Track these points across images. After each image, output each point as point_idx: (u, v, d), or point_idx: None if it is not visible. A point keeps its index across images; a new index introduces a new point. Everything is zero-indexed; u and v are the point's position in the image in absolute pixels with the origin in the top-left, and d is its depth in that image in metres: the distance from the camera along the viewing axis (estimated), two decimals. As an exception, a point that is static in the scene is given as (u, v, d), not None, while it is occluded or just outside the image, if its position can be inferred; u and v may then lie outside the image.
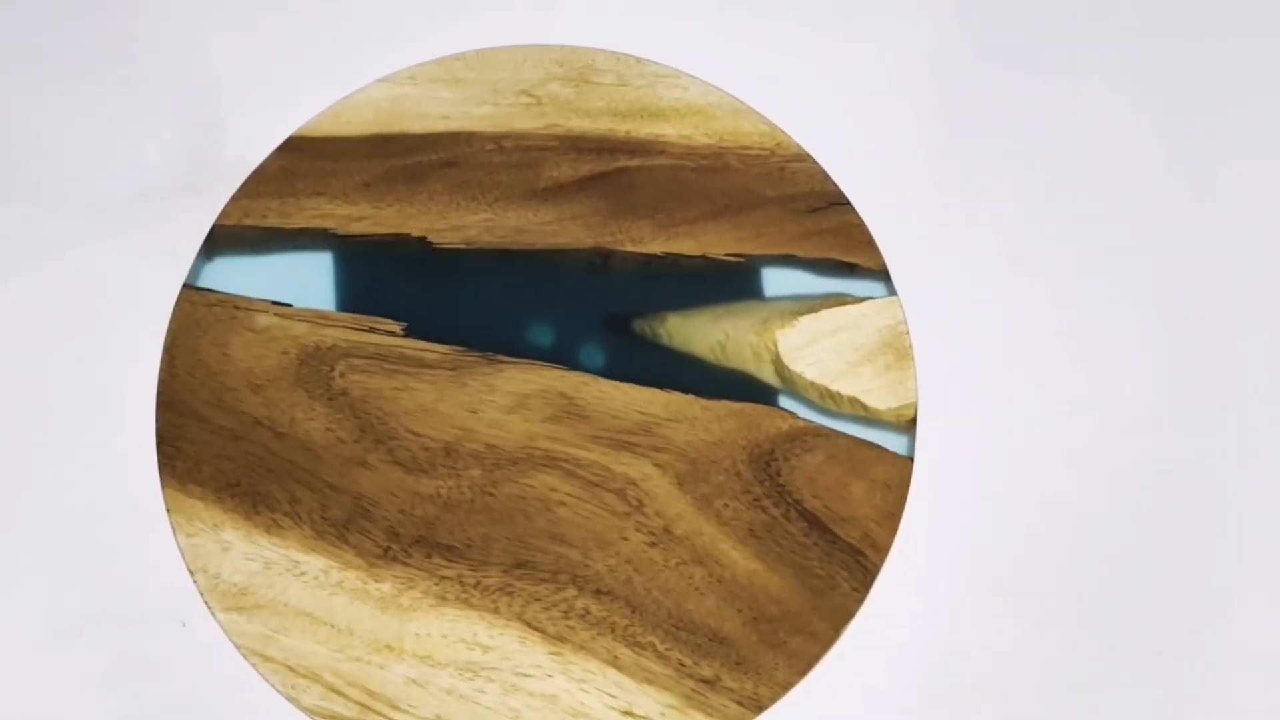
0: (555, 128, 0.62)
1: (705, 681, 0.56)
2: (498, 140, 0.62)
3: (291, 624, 0.56)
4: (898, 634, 0.57)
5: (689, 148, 0.62)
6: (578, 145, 0.62)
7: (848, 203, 0.62)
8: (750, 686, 0.56)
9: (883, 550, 0.58)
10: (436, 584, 0.56)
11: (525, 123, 0.62)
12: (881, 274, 0.61)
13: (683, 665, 0.56)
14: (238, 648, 0.55)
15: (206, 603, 0.56)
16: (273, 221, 0.60)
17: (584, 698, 0.55)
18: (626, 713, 0.55)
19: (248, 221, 0.60)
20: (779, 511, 0.58)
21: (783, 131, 0.63)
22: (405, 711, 0.55)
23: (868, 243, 0.61)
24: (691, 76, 0.63)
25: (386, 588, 0.56)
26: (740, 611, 0.56)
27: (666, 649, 0.56)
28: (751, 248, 0.61)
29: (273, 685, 0.55)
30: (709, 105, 0.63)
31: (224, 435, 0.58)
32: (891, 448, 0.59)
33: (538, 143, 0.62)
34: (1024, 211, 0.64)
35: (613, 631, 0.56)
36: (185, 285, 0.59)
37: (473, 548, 0.57)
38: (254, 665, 0.55)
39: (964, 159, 0.64)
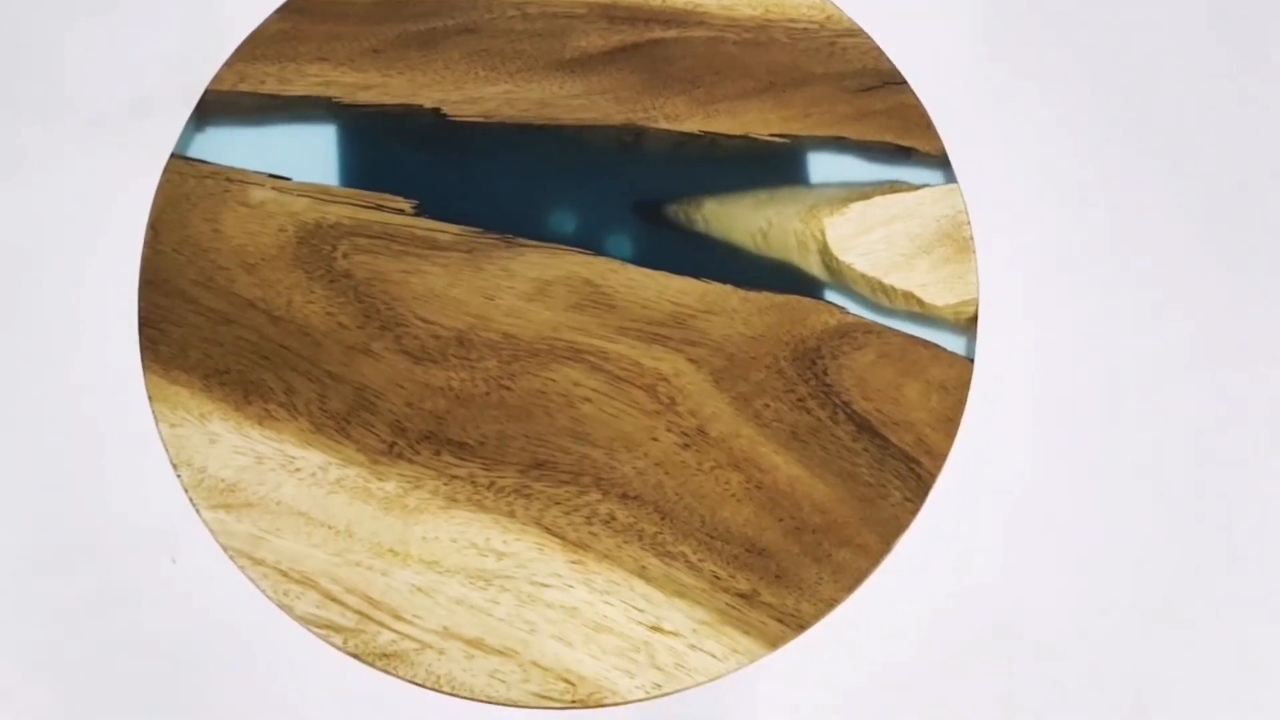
0: (584, -6, 0.57)
1: (742, 596, 0.50)
2: (520, 6, 0.56)
3: (285, 525, 0.50)
4: (954, 549, 0.52)
5: (731, 19, 0.57)
6: (609, 13, 0.56)
7: (903, 82, 0.56)
8: (791, 602, 0.50)
9: (938, 457, 0.52)
10: (446, 484, 0.51)
11: (551, -12, 0.57)
12: (940, 160, 0.55)
13: (717, 578, 0.51)
14: (224, 549, 0.50)
15: (191, 499, 0.50)
16: (270, 88, 0.55)
17: (607, 610, 0.50)
18: (654, 628, 0.50)
19: (243, 87, 0.55)
20: (825, 414, 0.52)
21: (833, 4, 0.57)
22: (410, 622, 0.50)
23: (925, 125, 0.56)
24: (733, -56, 0.58)
25: (390, 487, 0.51)
26: (781, 521, 0.51)
27: (699, 560, 0.51)
28: (798, 128, 0.56)
29: (263, 591, 0.50)
30: (752, -26, 0.57)
31: (213, 318, 0.52)
32: (949, 348, 0.53)
33: (565, 9, 0.56)
34: (1094, 92, 0.59)
35: (640, 539, 0.51)
36: (173, 155, 0.54)
37: (486, 445, 0.52)
38: (242, 569, 0.50)
39: (1030, 35, 0.58)
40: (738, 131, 0.55)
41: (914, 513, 0.52)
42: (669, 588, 0.50)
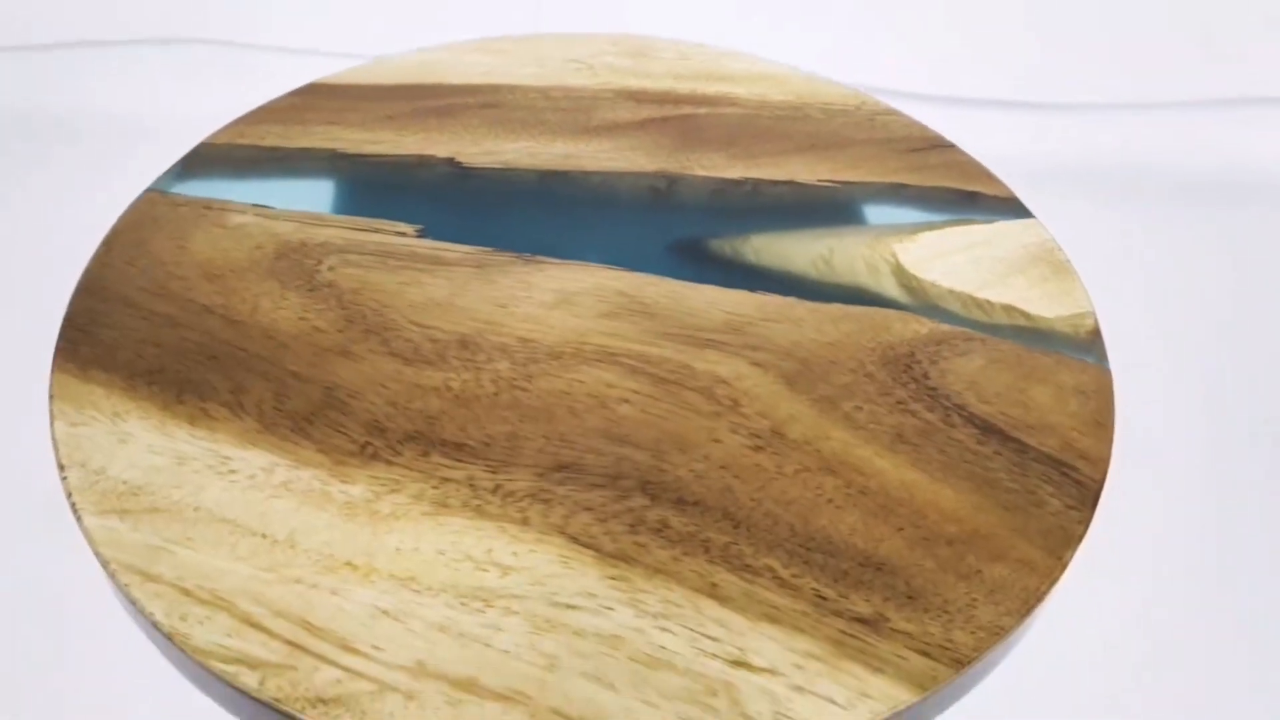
0: (610, 85, 0.55)
1: (862, 621, 0.34)
2: (544, 91, 0.54)
3: (200, 534, 0.35)
4: (1147, 556, 0.36)
5: (762, 102, 0.54)
6: (635, 97, 0.54)
7: (953, 145, 0.52)
8: (938, 630, 0.34)
9: (1097, 461, 0.39)
10: (435, 487, 0.37)
11: (577, 80, 0.55)
12: (1010, 203, 0.49)
13: (822, 598, 0.34)
14: (105, 564, 0.34)
15: (73, 505, 0.36)
16: (271, 142, 0.50)
17: (665, 640, 0.33)
18: (738, 662, 0.33)
19: (241, 142, 0.50)
20: (936, 416, 0.40)
21: (866, 94, 0.55)
22: (366, 655, 0.32)
23: (986, 175, 0.51)
24: (757, 57, 0.57)
25: (357, 491, 0.37)
26: (901, 530, 0.36)
27: (794, 575, 0.35)
28: (850, 176, 0.50)
29: (149, 615, 0.33)
30: (780, 75, 0.56)
31: (157, 321, 0.42)
32: (1075, 357, 0.43)
33: (589, 93, 0.54)
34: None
35: (706, 551, 0.35)
36: (150, 189, 0.47)
37: (493, 446, 0.38)
38: (125, 588, 0.34)
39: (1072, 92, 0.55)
40: (782, 177, 0.50)
41: (1085, 522, 0.37)
42: (753, 610, 0.34)
